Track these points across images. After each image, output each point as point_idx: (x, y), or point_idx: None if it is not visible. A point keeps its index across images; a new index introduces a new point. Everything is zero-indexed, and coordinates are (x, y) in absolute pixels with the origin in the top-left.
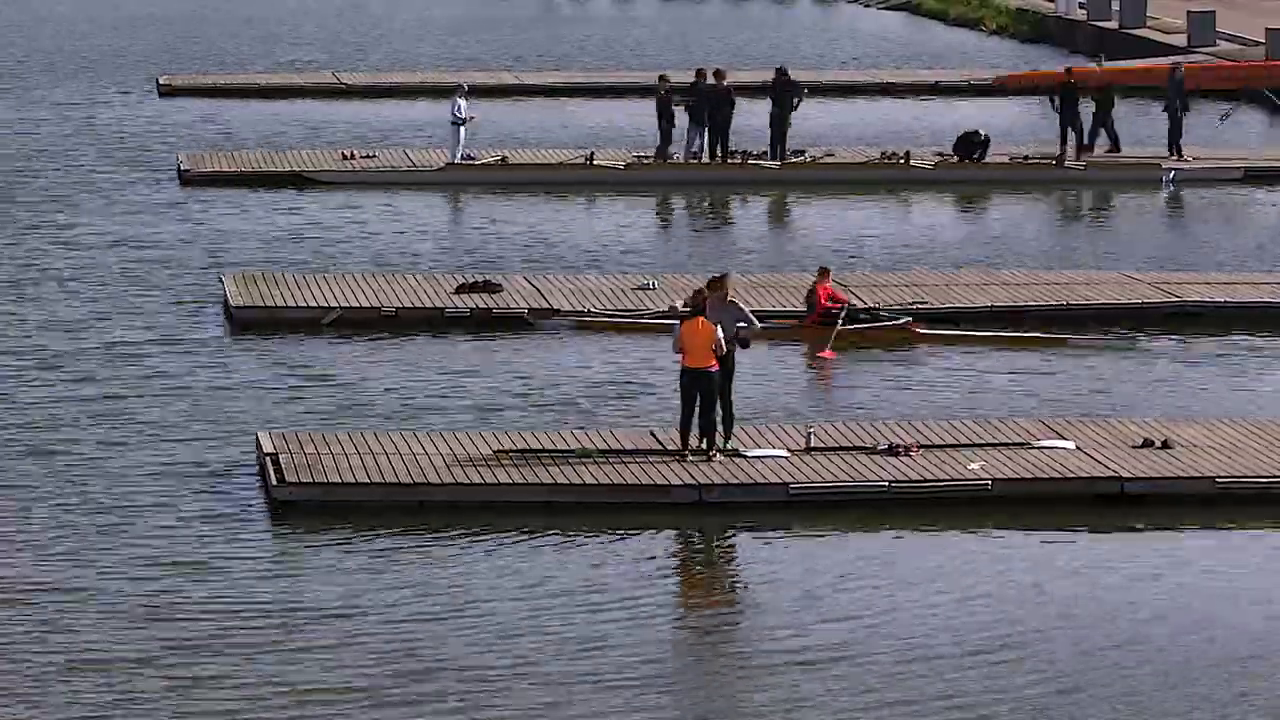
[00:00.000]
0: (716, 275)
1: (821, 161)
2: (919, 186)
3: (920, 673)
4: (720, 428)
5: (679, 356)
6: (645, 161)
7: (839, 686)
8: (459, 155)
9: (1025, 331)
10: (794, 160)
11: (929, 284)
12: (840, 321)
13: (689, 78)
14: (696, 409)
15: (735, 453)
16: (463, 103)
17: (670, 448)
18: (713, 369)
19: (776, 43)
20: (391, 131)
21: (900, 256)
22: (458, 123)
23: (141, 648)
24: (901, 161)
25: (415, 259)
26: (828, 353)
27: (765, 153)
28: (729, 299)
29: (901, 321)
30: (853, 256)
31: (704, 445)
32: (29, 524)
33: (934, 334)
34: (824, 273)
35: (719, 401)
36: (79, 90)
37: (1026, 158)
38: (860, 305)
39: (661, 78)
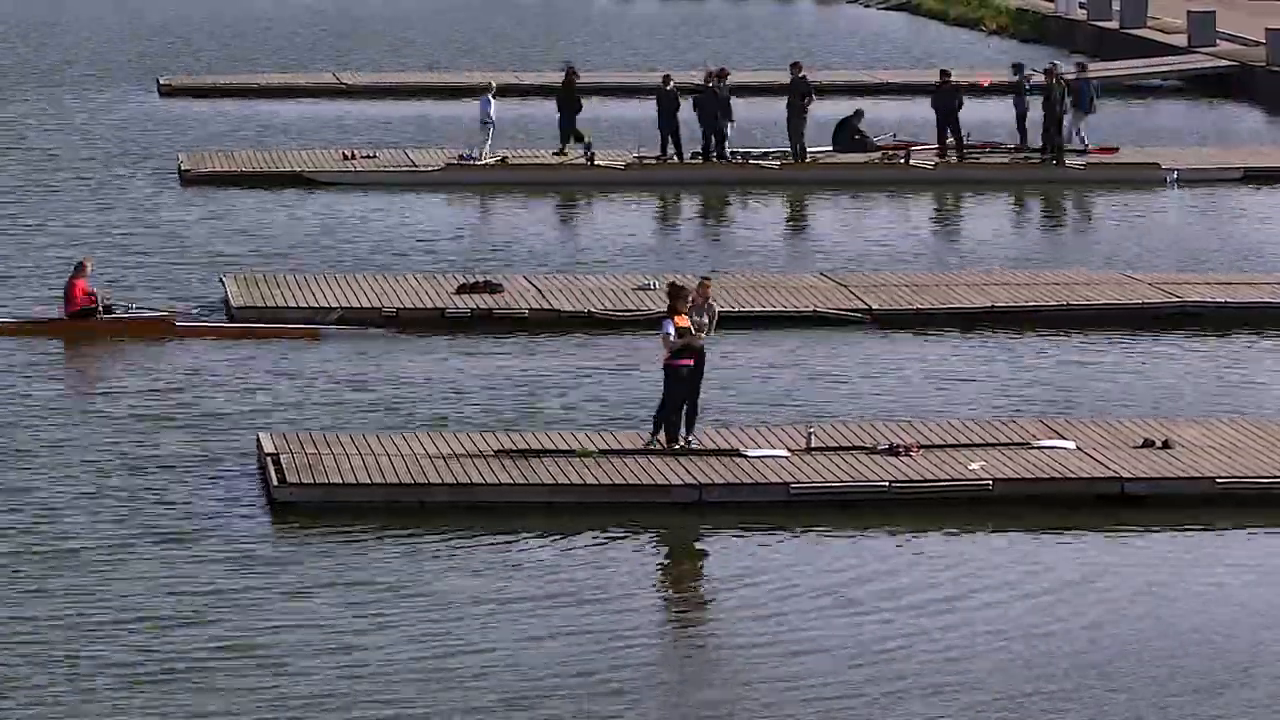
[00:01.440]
0: (705, 276)
1: (822, 162)
2: (919, 187)
3: (921, 673)
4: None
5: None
6: (646, 161)
7: (839, 687)
8: (484, 155)
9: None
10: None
11: (930, 284)
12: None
13: (691, 78)
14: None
15: (736, 452)
16: (493, 102)
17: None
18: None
19: (777, 42)
20: (391, 131)
21: (899, 256)
22: (488, 122)
23: (142, 649)
24: (902, 162)
25: (415, 259)
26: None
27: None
28: (710, 300)
29: (161, 314)
30: (852, 255)
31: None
32: (28, 524)
33: (194, 327)
34: (81, 267)
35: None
36: (80, 90)
37: (1027, 156)
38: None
39: (665, 78)
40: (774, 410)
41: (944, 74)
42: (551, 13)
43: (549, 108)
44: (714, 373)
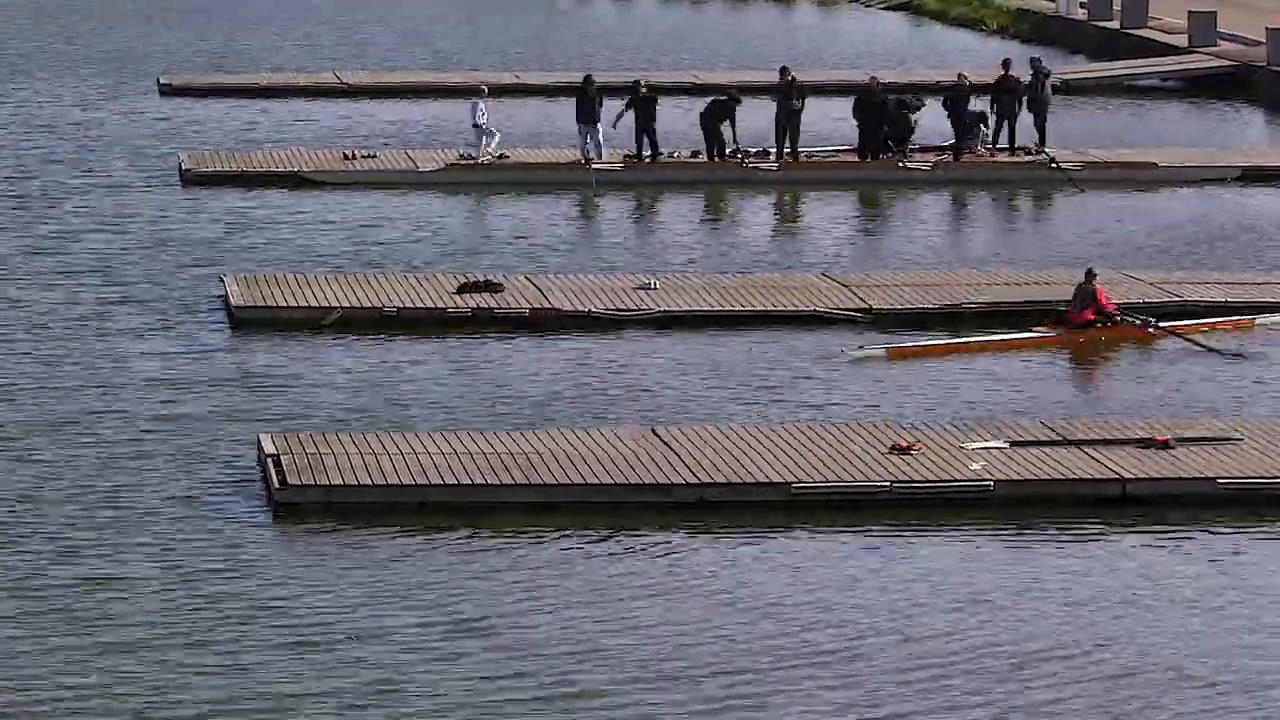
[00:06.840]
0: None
1: (821, 162)
2: (917, 186)
3: (920, 675)
4: None
5: None
6: (647, 162)
7: (838, 688)
8: (482, 155)
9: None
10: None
11: (931, 284)
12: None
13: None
14: None
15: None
16: (483, 105)
17: (674, 445)
18: None
19: (777, 40)
20: (391, 131)
21: (899, 256)
22: (480, 126)
23: (142, 651)
24: (901, 164)
25: (416, 259)
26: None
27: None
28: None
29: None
30: (852, 255)
31: None
32: (29, 526)
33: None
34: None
35: None
36: (80, 89)
37: (1026, 156)
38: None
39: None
40: (774, 410)
41: (1005, 64)
42: (552, 15)
43: (547, 107)
44: (713, 372)
